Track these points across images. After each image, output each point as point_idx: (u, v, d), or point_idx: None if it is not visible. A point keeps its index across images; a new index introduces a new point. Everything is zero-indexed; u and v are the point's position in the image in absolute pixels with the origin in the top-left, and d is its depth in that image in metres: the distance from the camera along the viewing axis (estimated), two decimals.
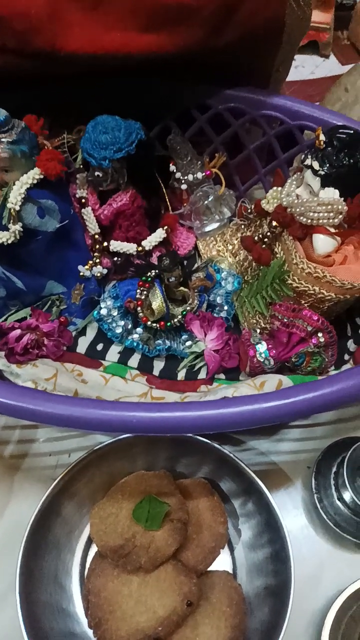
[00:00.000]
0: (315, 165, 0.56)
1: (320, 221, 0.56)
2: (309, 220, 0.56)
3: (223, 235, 0.73)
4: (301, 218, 0.57)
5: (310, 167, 0.56)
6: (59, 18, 0.55)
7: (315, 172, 0.56)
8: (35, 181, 0.59)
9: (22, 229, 0.60)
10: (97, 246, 0.68)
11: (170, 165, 0.71)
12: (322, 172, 0.55)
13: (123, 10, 0.55)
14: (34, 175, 0.59)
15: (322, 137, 0.55)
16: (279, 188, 0.62)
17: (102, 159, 0.61)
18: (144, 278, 0.64)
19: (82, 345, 0.66)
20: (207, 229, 0.74)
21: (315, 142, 0.56)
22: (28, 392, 0.46)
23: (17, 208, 0.59)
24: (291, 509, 0.60)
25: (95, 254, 0.68)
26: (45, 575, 0.53)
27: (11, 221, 0.59)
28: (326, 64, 1.04)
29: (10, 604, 0.49)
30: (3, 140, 0.56)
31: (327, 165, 0.55)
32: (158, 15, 0.55)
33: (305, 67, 1.02)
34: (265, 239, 0.61)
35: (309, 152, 0.57)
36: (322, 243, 0.57)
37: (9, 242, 0.60)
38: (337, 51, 1.05)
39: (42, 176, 0.59)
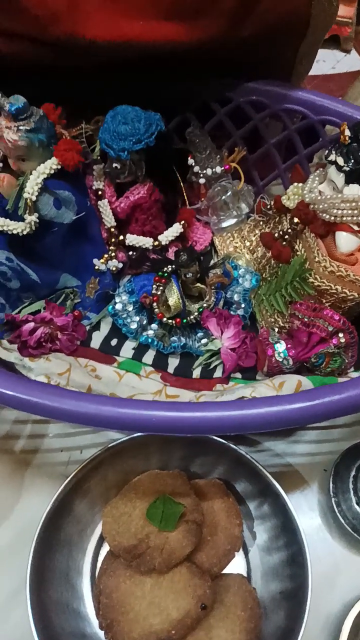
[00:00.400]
0: (340, 161, 0.54)
1: (344, 218, 0.54)
2: (332, 218, 0.55)
3: (240, 232, 0.72)
4: (324, 215, 0.55)
5: (335, 162, 0.55)
6: (78, 5, 0.54)
7: (339, 168, 0.54)
8: (52, 171, 0.58)
9: (38, 220, 0.59)
10: (113, 239, 0.67)
11: (189, 158, 0.70)
12: (347, 168, 0.54)
13: None
14: (51, 165, 0.58)
15: (347, 133, 0.54)
16: (300, 184, 0.61)
17: (120, 150, 0.60)
18: (160, 273, 0.63)
19: (96, 340, 0.65)
20: (224, 224, 0.73)
21: (339, 138, 0.55)
22: (43, 388, 0.45)
23: (34, 198, 0.58)
24: (307, 512, 0.59)
25: (111, 247, 0.67)
26: (56, 574, 0.52)
27: (27, 212, 0.58)
28: (347, 59, 1.02)
29: (21, 603, 0.48)
30: (21, 128, 0.55)
31: (352, 161, 0.53)
32: (179, 4, 0.54)
33: (326, 62, 1.01)
34: (286, 236, 0.59)
35: (333, 147, 0.55)
36: (345, 241, 0.55)
37: (25, 233, 0.59)
38: (358, 46, 1.03)
39: (59, 166, 0.58)
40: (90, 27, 0.55)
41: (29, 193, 0.57)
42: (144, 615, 0.50)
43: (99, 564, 0.55)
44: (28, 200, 0.58)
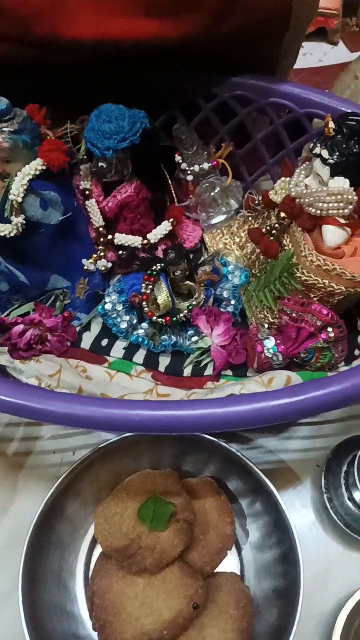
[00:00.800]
0: (325, 153, 0.54)
1: (330, 212, 0.54)
2: (318, 211, 0.54)
3: (230, 228, 0.71)
4: (310, 209, 0.55)
5: (320, 155, 0.54)
6: (61, 4, 0.53)
7: (324, 161, 0.54)
8: (37, 172, 0.58)
9: (24, 222, 0.59)
10: (102, 239, 0.67)
11: (176, 155, 0.70)
12: (332, 161, 0.53)
13: None
14: (36, 166, 0.58)
15: (331, 125, 0.53)
16: (287, 178, 0.60)
17: (105, 149, 0.60)
18: (149, 272, 0.62)
19: (87, 341, 0.65)
20: (214, 221, 0.72)
21: (324, 130, 0.54)
22: (30, 390, 0.45)
23: (20, 200, 0.57)
24: (300, 508, 0.58)
25: (100, 247, 0.67)
26: (48, 575, 0.52)
27: (13, 213, 0.58)
28: (334, 51, 1.01)
29: (13, 604, 0.48)
30: (4, 129, 0.55)
31: (337, 153, 0.53)
32: (162, 0, 0.54)
33: (313, 55, 1.00)
34: (273, 231, 0.59)
35: (318, 140, 0.55)
36: (332, 234, 0.55)
37: (11, 235, 0.59)
38: (345, 38, 1.02)
39: (44, 167, 0.58)
40: (74, 26, 0.55)
41: (14, 195, 0.57)
42: (136, 616, 0.50)
43: (92, 565, 0.55)
44: (14, 202, 0.58)
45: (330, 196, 0.53)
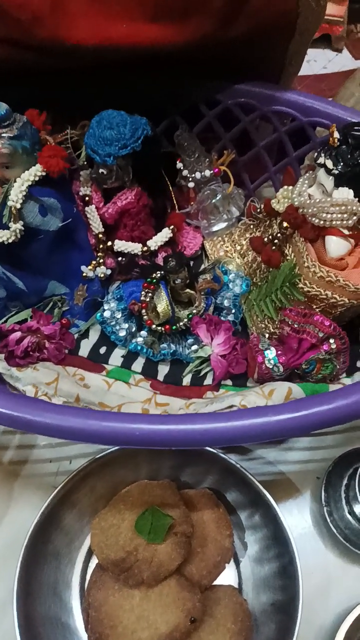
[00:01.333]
0: (329, 163, 0.53)
1: (334, 222, 0.53)
2: (322, 222, 0.54)
3: (231, 236, 0.71)
4: (313, 219, 0.54)
5: (324, 165, 0.54)
6: (62, 8, 0.53)
7: (328, 171, 0.53)
8: (37, 178, 0.57)
9: (23, 228, 0.58)
10: (101, 246, 0.66)
11: (177, 162, 0.69)
12: (336, 171, 0.53)
13: None
14: (35, 172, 0.57)
15: (336, 135, 0.53)
16: (290, 187, 0.60)
17: (106, 156, 0.59)
18: (149, 280, 0.62)
19: (85, 349, 0.64)
20: (215, 228, 0.72)
21: (328, 140, 0.54)
22: (28, 402, 0.44)
23: (18, 206, 0.57)
24: (299, 521, 0.58)
25: (99, 253, 0.66)
26: (44, 587, 0.52)
27: (12, 220, 0.57)
28: (339, 59, 1.01)
29: (8, 616, 0.48)
30: (4, 135, 0.54)
31: (342, 164, 0.52)
32: (166, 5, 0.53)
33: (317, 62, 1.00)
34: (276, 240, 0.58)
35: (322, 149, 0.55)
36: (335, 245, 0.54)
37: (10, 241, 0.58)
38: (350, 45, 1.02)
39: (44, 173, 0.58)
40: (75, 30, 0.54)
41: (13, 201, 0.57)
42: (133, 629, 0.49)
43: (87, 577, 0.54)
44: (13, 208, 0.57)
45: (334, 207, 0.53)
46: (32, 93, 0.60)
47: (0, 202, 0.57)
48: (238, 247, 0.69)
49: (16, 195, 0.56)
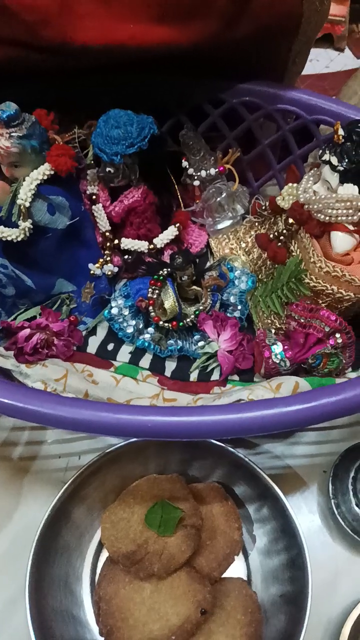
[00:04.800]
0: (334, 160, 0.54)
1: (339, 218, 0.54)
2: (327, 218, 0.55)
3: (236, 233, 0.71)
4: (319, 215, 0.55)
5: (329, 162, 0.54)
6: (69, 9, 0.53)
7: (333, 168, 0.54)
8: (45, 177, 0.58)
9: (32, 226, 0.59)
10: (108, 244, 0.67)
11: (183, 161, 0.70)
12: (341, 168, 0.53)
13: (135, 1, 0.53)
14: (44, 170, 0.58)
15: (341, 132, 0.54)
16: (295, 184, 0.60)
17: (113, 155, 0.60)
18: (155, 277, 0.62)
19: (93, 345, 0.65)
20: (220, 226, 0.73)
21: (333, 137, 0.54)
22: (41, 395, 0.44)
23: (27, 204, 0.58)
24: (307, 514, 0.58)
25: (106, 251, 0.67)
26: (55, 580, 0.52)
27: (21, 218, 0.58)
28: (341, 58, 1.02)
29: (20, 610, 0.48)
30: (13, 134, 0.55)
31: (346, 160, 0.53)
32: (171, 6, 0.54)
33: (319, 61, 1.00)
34: (281, 237, 0.59)
35: (327, 147, 0.55)
36: (341, 241, 0.55)
37: (19, 239, 0.59)
38: (352, 44, 1.03)
39: (52, 172, 0.58)
40: (82, 31, 0.55)
41: (22, 199, 0.57)
42: (144, 622, 0.49)
43: (98, 570, 0.55)
44: (22, 207, 0.58)
45: (339, 203, 0.53)
46: (40, 93, 0.61)
47: (10, 200, 0.58)
48: (243, 245, 0.70)
49: (25, 193, 0.57)
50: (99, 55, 0.57)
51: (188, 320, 0.62)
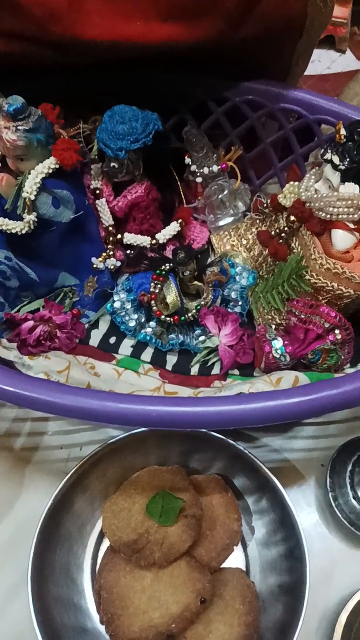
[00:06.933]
0: (335, 159, 0.55)
1: (340, 216, 0.55)
2: (328, 216, 0.56)
3: (237, 230, 0.72)
4: (320, 213, 0.56)
5: (330, 161, 0.55)
6: (78, 6, 0.54)
7: (335, 167, 0.55)
8: (50, 170, 0.59)
9: (36, 219, 0.59)
10: (111, 238, 0.67)
11: (186, 157, 0.70)
12: (342, 167, 0.54)
13: None
14: (49, 164, 0.58)
15: (343, 132, 0.55)
16: (297, 183, 0.61)
17: (118, 150, 0.60)
18: (158, 271, 0.63)
19: (95, 338, 0.65)
20: (221, 223, 0.73)
21: (335, 137, 0.55)
22: (45, 384, 0.45)
23: (32, 197, 0.58)
24: (304, 507, 0.59)
25: (109, 246, 0.67)
26: (57, 569, 0.53)
27: (26, 211, 0.59)
28: (342, 59, 1.03)
29: (22, 597, 0.49)
30: (19, 128, 0.56)
31: (348, 159, 0.54)
32: (179, 5, 0.55)
33: (321, 62, 1.02)
34: (282, 234, 0.60)
35: (329, 146, 0.56)
36: (341, 239, 0.56)
37: (23, 232, 0.59)
38: (353, 46, 1.04)
39: (57, 166, 0.59)
40: (90, 27, 0.56)
41: (27, 192, 0.58)
42: (144, 610, 0.50)
43: (99, 559, 0.56)
44: (27, 200, 0.58)
45: (340, 201, 0.54)
46: (46, 87, 0.62)
47: (15, 193, 0.59)
48: (244, 241, 0.71)
49: (30, 187, 0.58)
50: (105, 51, 0.58)
51: (189, 314, 0.63)
